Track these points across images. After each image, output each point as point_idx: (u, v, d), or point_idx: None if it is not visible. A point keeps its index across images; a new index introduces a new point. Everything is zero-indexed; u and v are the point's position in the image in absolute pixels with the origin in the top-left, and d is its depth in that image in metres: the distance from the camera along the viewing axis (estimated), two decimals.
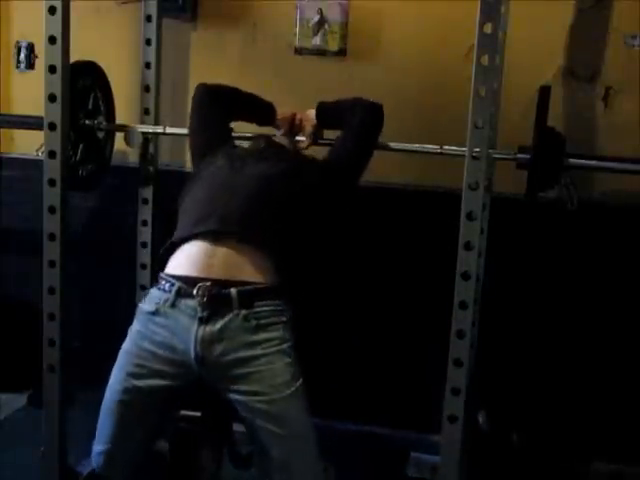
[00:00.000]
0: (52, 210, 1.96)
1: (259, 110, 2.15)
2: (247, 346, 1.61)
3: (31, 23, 2.52)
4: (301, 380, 1.66)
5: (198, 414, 1.77)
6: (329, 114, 2.10)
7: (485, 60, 1.64)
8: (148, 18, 2.43)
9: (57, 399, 2.01)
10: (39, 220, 1.98)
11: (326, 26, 2.45)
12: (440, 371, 1.77)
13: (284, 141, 2.12)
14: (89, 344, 2.65)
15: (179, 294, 1.64)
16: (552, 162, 1.93)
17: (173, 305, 1.64)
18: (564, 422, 2.45)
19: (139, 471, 1.81)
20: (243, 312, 1.61)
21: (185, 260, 1.69)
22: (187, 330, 1.61)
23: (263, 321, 1.63)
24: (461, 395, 1.74)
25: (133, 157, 2.54)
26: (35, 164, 2.06)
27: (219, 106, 2.07)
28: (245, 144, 2.10)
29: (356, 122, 1.99)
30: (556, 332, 2.43)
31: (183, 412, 1.79)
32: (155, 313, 1.66)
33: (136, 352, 1.67)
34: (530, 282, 2.41)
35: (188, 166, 2.61)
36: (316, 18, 2.46)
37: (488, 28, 1.62)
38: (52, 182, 1.95)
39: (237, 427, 1.85)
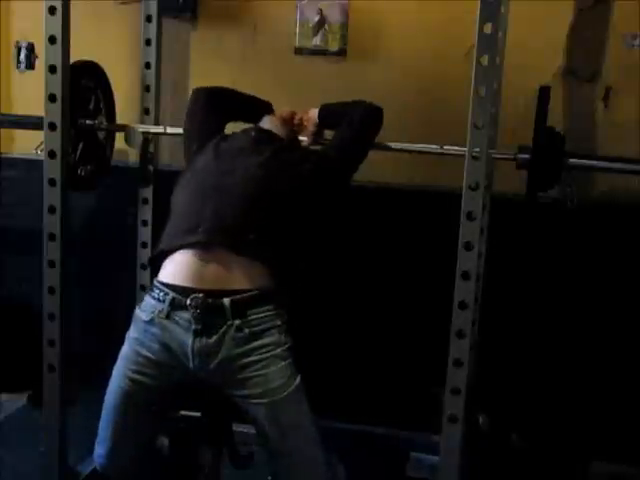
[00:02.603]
0: (52, 210, 1.96)
1: (256, 110, 2.14)
2: (242, 355, 1.64)
3: (31, 23, 2.53)
4: (299, 379, 1.69)
5: (198, 414, 1.77)
6: (332, 114, 2.09)
7: (485, 60, 1.63)
8: (148, 18, 2.43)
9: (57, 399, 2.01)
10: (39, 220, 1.98)
11: (326, 26, 2.45)
12: (440, 371, 1.76)
13: (275, 128, 2.02)
14: (89, 344, 2.65)
15: (173, 305, 1.66)
16: (552, 162, 1.93)
17: (168, 316, 1.66)
18: (564, 422, 2.45)
19: (140, 470, 1.82)
20: (237, 322, 1.63)
21: (177, 268, 1.70)
22: (183, 343, 1.64)
23: (256, 329, 1.65)
24: (461, 395, 1.73)
25: (133, 157, 2.54)
26: (35, 164, 2.05)
27: (217, 108, 2.06)
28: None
29: (356, 118, 1.97)
30: (556, 332, 2.43)
31: (183, 412, 1.78)
32: (151, 322, 1.68)
33: (134, 358, 1.69)
34: (530, 282, 2.41)
35: None
36: (316, 18, 2.46)
37: (488, 28, 1.62)
38: (52, 182, 1.95)
39: (237, 427, 1.85)
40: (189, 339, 1.63)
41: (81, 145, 2.18)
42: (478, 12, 1.61)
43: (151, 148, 2.46)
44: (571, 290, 2.40)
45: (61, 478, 2.05)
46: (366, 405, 2.52)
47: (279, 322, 1.69)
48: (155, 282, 1.72)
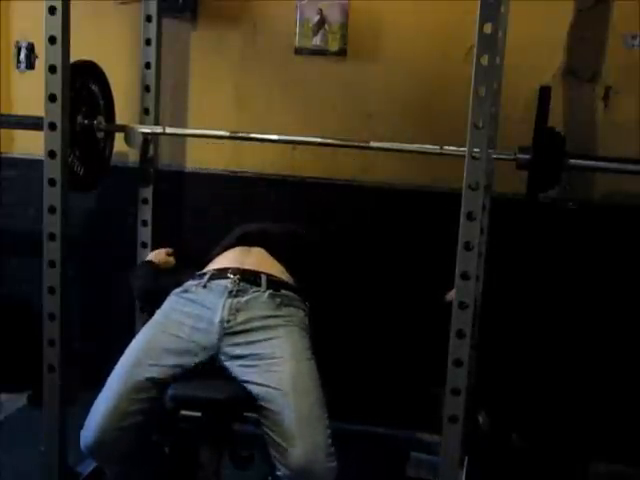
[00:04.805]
0: (52, 210, 1.95)
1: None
2: (271, 316, 1.80)
3: (31, 23, 2.53)
4: (314, 359, 1.80)
5: (198, 414, 1.77)
6: None
7: (485, 60, 1.63)
8: (148, 18, 2.43)
9: (57, 399, 2.01)
10: (39, 220, 1.98)
11: (326, 26, 2.45)
12: (440, 371, 1.76)
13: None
14: (89, 344, 2.65)
15: (211, 277, 1.87)
16: (552, 162, 1.93)
17: (204, 286, 1.85)
18: (564, 422, 2.45)
19: (132, 458, 1.79)
20: (270, 291, 1.83)
21: (220, 260, 1.96)
22: (215, 302, 1.81)
23: (285, 300, 1.85)
24: (461, 395, 1.73)
25: (133, 157, 2.54)
26: (35, 164, 2.05)
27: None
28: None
29: None
30: (556, 332, 2.43)
31: (183, 412, 1.79)
32: (185, 291, 1.87)
33: (164, 321, 1.85)
34: (530, 282, 2.41)
35: (188, 166, 2.63)
36: (316, 18, 2.45)
37: (488, 28, 1.62)
38: (52, 182, 1.95)
39: (237, 427, 1.85)
40: (222, 299, 1.80)
41: (81, 145, 2.18)
42: (478, 12, 1.61)
43: (151, 148, 2.46)
44: (571, 290, 2.40)
45: (61, 478, 2.05)
46: (366, 405, 2.52)
47: (304, 307, 1.89)
48: (197, 272, 1.93)
